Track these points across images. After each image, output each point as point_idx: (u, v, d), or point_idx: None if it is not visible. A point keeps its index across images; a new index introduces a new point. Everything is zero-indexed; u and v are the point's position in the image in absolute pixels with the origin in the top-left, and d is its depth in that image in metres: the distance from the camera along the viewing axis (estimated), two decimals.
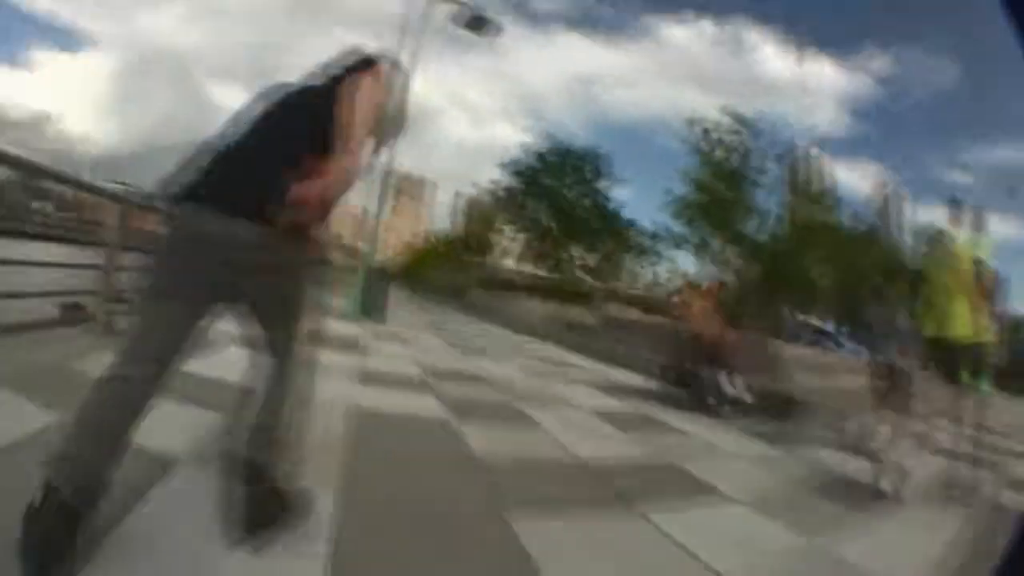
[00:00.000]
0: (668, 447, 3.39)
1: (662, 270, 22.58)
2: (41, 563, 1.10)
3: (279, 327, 1.43)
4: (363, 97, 1.39)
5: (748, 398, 4.86)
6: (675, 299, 5.38)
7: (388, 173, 10.66)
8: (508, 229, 25.08)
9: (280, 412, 1.45)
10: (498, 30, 10.30)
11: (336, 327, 6.34)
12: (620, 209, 22.35)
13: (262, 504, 1.44)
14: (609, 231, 21.58)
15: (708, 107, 17.88)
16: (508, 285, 24.78)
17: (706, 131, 17.26)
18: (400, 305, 13.25)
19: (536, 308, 19.65)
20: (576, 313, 18.07)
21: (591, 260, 23.14)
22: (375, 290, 8.79)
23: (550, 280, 23.52)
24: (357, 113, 1.36)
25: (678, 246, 18.10)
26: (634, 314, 14.97)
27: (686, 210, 16.98)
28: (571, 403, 4.29)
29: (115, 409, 1.23)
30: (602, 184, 22.33)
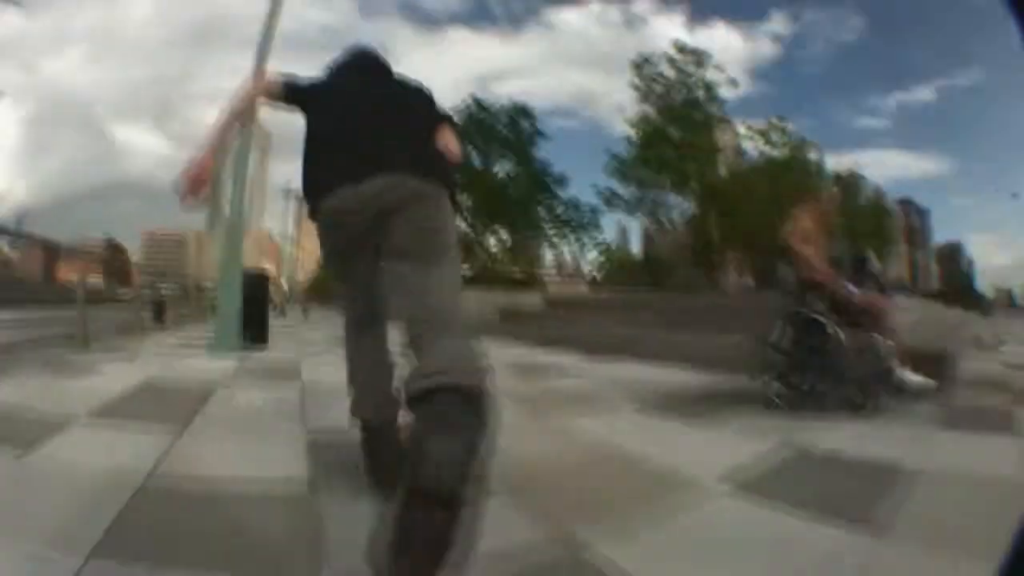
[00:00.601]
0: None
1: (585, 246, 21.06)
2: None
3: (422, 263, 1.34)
4: None
5: (931, 383, 2.83)
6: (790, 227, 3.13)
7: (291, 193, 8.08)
8: None
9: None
10: None
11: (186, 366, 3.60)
12: (552, 175, 20.19)
13: None
14: (541, 201, 19.23)
15: (609, 86, 17.35)
16: None
17: (643, 65, 15.74)
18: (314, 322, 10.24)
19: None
20: (506, 300, 15.50)
21: (511, 240, 20.92)
22: (246, 312, 5.85)
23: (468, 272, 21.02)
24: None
25: (608, 203, 16.54)
26: (581, 290, 13.02)
27: (622, 166, 15.37)
28: (689, 478, 1.89)
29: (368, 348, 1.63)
30: (530, 150, 20.00)
